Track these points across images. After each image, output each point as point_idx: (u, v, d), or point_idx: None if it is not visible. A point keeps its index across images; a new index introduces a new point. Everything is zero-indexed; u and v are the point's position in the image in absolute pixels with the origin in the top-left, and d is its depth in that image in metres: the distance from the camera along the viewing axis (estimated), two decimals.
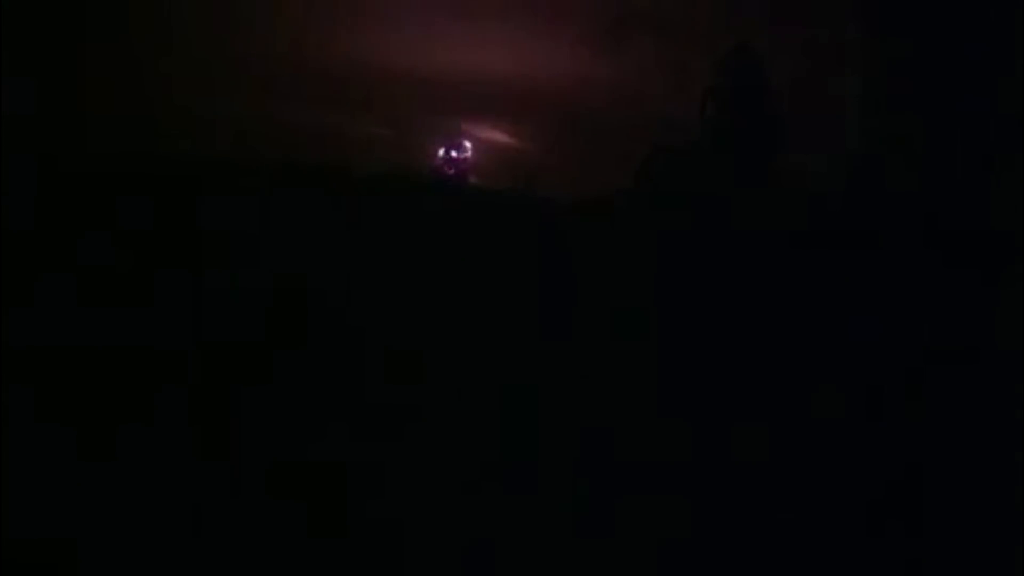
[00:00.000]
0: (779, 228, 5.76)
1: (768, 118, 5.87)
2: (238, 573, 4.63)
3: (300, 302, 5.54)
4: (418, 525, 4.82)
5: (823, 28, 5.86)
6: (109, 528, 4.67)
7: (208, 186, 5.82)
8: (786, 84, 5.84)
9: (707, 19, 5.94)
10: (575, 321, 5.59)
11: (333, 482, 4.94)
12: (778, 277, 5.71)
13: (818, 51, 5.86)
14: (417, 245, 5.74)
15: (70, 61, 5.92)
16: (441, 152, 6.42)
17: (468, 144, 6.26)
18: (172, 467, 4.86)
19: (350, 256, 5.71)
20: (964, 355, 5.40)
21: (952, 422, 5.24)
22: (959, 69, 5.69)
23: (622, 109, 5.95)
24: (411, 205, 5.87)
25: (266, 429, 5.06)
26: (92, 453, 4.89)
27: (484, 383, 5.41)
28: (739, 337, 5.59)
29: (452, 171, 6.57)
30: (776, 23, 5.88)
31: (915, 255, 5.70)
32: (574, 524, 4.92)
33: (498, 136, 6.08)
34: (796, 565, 4.98)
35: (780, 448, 5.23)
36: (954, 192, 5.76)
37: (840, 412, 5.34)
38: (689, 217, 5.79)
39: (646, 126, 5.91)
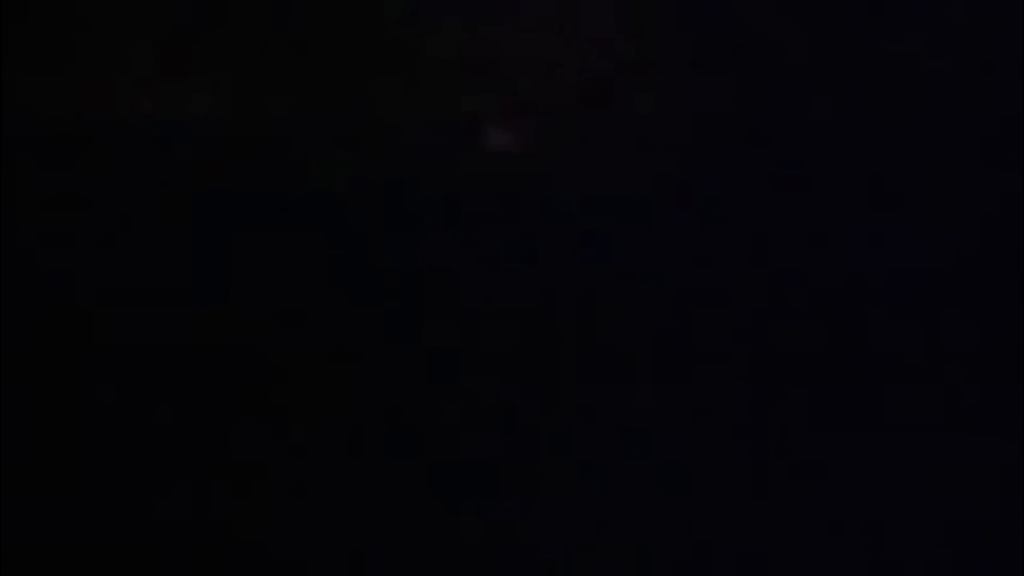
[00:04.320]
0: (778, 227, 5.81)
1: (767, 116, 5.89)
2: None
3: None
4: None
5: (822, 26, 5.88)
6: None
7: (215, 181, 5.86)
8: (783, 81, 5.87)
9: (707, 17, 5.96)
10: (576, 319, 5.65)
11: None
12: (778, 275, 5.77)
13: (816, 48, 5.89)
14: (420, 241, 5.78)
15: None
16: (441, 145, 6.42)
17: (472, 139, 6.26)
18: None
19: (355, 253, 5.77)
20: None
21: None
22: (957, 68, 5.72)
23: (623, 107, 5.98)
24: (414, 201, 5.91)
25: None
26: None
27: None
28: (742, 336, 5.65)
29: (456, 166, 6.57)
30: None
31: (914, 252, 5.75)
32: None
33: (498, 134, 6.11)
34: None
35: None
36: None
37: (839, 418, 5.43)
38: (690, 215, 5.83)
39: (647, 125, 5.94)
